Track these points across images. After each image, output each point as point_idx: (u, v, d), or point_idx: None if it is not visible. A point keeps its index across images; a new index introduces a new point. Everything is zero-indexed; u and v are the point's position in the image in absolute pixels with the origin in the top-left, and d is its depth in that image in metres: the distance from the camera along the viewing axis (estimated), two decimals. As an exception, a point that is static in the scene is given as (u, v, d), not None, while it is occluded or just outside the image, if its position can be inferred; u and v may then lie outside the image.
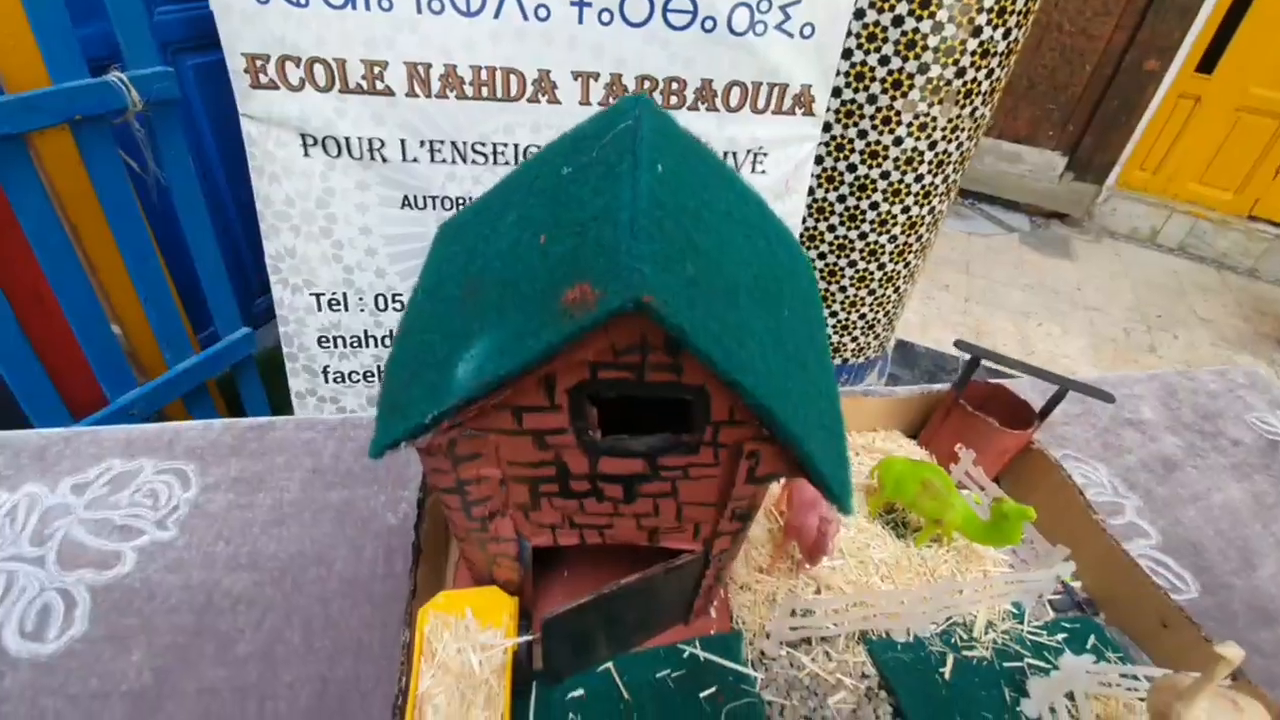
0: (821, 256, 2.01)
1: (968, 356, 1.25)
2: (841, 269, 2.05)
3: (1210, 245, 5.01)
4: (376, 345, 1.65)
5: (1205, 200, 5.07)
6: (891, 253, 1.97)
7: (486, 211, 0.80)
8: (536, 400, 0.60)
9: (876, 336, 2.52)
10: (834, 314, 2.04)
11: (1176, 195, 5.12)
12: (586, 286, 0.51)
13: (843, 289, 2.10)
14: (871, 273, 2.03)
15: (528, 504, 0.74)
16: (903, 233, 1.91)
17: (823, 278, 2.08)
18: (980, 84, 2.06)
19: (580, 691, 0.88)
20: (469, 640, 0.78)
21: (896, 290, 2.22)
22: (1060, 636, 1.01)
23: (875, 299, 2.10)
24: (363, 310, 1.61)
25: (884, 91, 2.00)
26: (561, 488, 0.72)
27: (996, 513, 1.00)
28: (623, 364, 0.57)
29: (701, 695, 0.88)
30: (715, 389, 0.60)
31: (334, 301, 1.60)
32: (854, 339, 2.13)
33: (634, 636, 0.92)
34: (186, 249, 2.12)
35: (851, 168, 1.78)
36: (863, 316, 2.08)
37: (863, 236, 1.97)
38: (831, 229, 1.94)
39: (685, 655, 0.92)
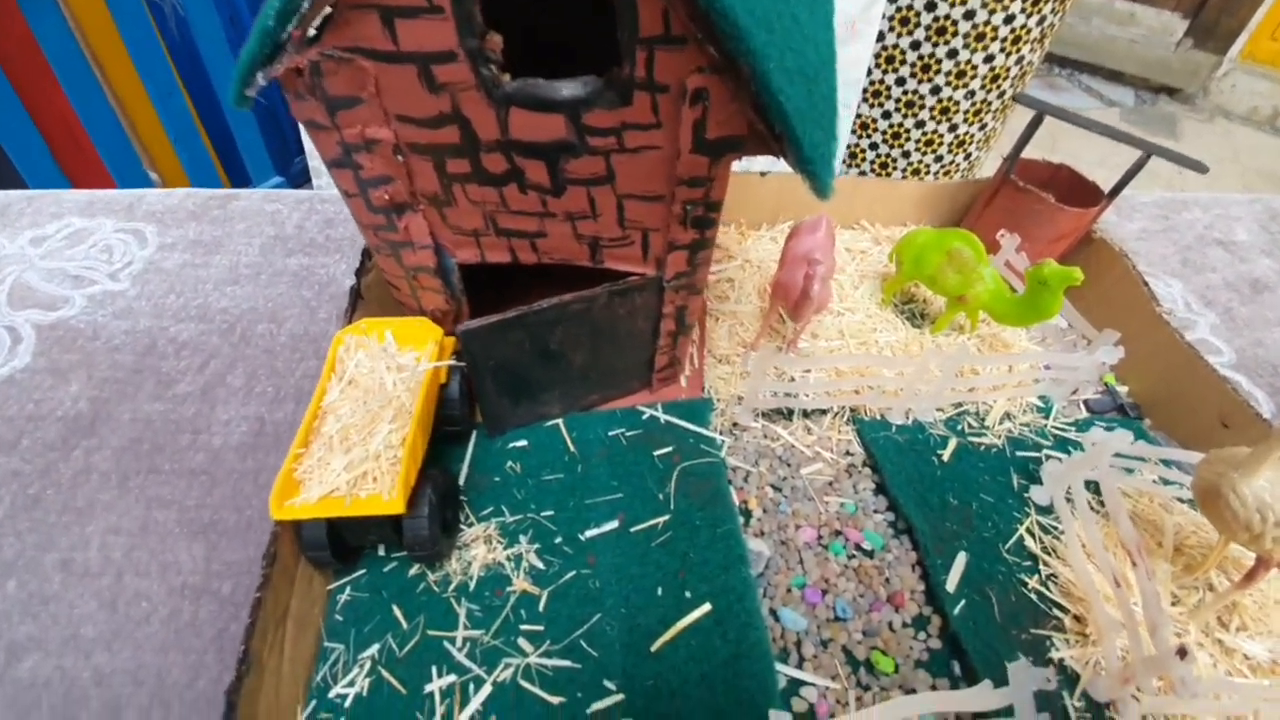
0: (886, 116, 1.68)
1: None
2: (907, 130, 1.72)
3: (1340, 136, 4.21)
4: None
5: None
6: (967, 111, 1.64)
7: None
8: (405, -10, 0.45)
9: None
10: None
11: (1310, 74, 4.26)
12: None
13: (905, 154, 1.75)
14: (941, 135, 1.70)
15: (439, 194, 0.61)
16: (983, 87, 1.57)
17: (885, 141, 1.74)
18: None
19: (524, 442, 0.80)
20: (385, 361, 0.68)
21: (968, 157, 1.83)
22: (1099, 430, 0.87)
23: (942, 166, 1.78)
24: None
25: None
26: (474, 166, 0.58)
27: (1033, 279, 0.82)
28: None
29: (656, 453, 0.78)
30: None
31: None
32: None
33: (588, 394, 0.82)
34: (215, 95, 2.04)
35: (930, 6, 1.43)
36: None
37: (935, 91, 1.61)
38: (900, 82, 1.61)
39: (645, 417, 0.82)
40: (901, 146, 1.74)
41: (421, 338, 0.72)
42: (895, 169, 1.79)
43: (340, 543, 0.64)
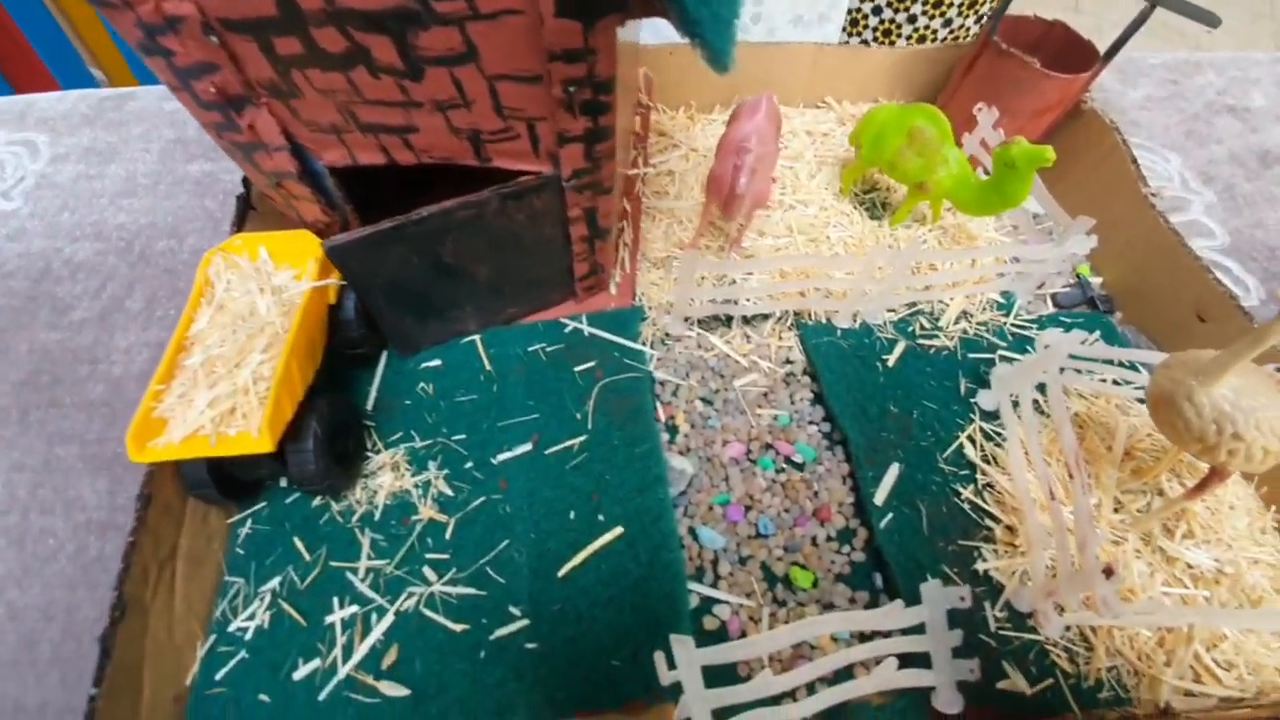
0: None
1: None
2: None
3: None
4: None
5: None
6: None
7: None
8: None
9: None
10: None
11: None
12: None
13: (911, 18, 1.52)
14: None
15: (278, 83, 0.52)
16: None
17: (889, 4, 1.50)
18: None
19: (438, 362, 0.75)
20: (259, 282, 0.62)
21: (979, 20, 1.56)
22: (1054, 331, 0.80)
23: (951, 31, 1.55)
24: None
25: None
26: (307, 46, 0.48)
27: (1000, 161, 0.72)
28: None
29: (577, 369, 0.73)
30: None
31: None
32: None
33: (505, 308, 0.76)
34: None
35: None
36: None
37: None
38: None
39: (568, 330, 0.76)
40: (907, 9, 1.54)
41: (302, 254, 0.65)
42: (899, 36, 1.60)
43: (230, 479, 0.61)
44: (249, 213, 0.75)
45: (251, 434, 0.54)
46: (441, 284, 0.67)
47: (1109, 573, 0.51)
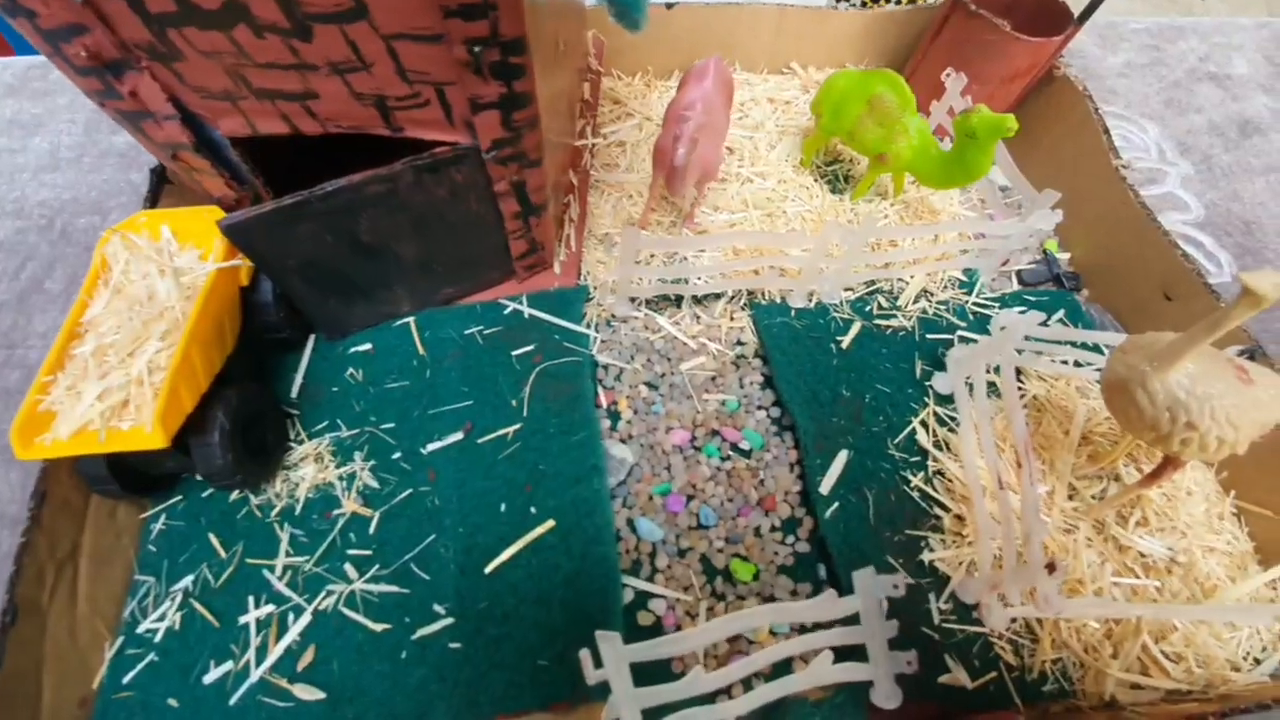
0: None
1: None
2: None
3: None
4: None
5: None
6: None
7: None
8: None
9: None
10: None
11: None
12: None
13: None
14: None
15: (156, 45, 0.47)
16: None
17: None
18: None
19: (368, 345, 0.71)
20: (159, 264, 0.57)
21: None
22: (1017, 310, 0.77)
23: None
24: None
25: None
26: (177, 1, 0.43)
27: (961, 130, 0.68)
28: None
29: (515, 353, 0.69)
30: None
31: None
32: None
33: (440, 288, 0.72)
34: None
35: None
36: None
37: None
38: None
39: (507, 311, 0.73)
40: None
41: (209, 232, 0.60)
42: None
43: (136, 473, 0.58)
44: (164, 187, 0.70)
45: (145, 428, 0.50)
46: (364, 264, 0.62)
47: (1051, 568, 0.49)
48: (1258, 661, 0.57)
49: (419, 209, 0.59)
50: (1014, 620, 0.57)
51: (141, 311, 0.55)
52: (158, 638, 0.56)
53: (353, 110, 0.52)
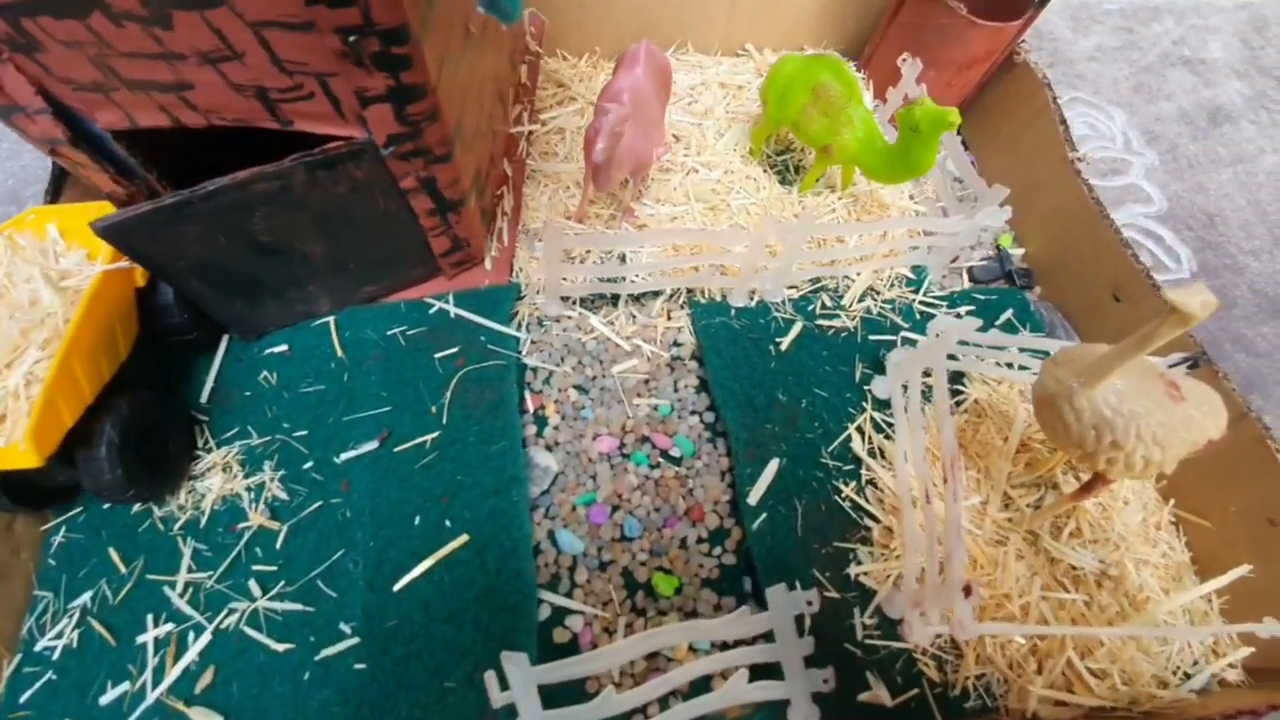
0: None
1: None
2: None
3: None
4: None
5: None
6: None
7: None
8: None
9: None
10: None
11: None
12: None
13: None
14: None
15: (13, 34, 0.43)
16: None
17: None
18: None
19: (284, 347, 0.68)
20: (43, 266, 0.54)
21: None
22: (965, 310, 0.75)
23: None
24: None
25: None
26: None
27: (904, 123, 0.65)
28: None
29: (438, 356, 0.67)
30: None
31: None
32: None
33: (360, 287, 0.68)
34: None
35: None
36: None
37: None
38: None
39: (432, 311, 0.69)
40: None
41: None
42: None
43: (28, 486, 0.55)
44: (67, 179, 0.66)
45: (18, 446, 0.47)
46: (268, 264, 0.59)
47: (968, 591, 0.47)
48: (1188, 676, 0.56)
49: (319, 207, 0.55)
50: (938, 635, 0.56)
51: (21, 318, 0.51)
52: (55, 656, 0.53)
53: (234, 102, 0.49)
